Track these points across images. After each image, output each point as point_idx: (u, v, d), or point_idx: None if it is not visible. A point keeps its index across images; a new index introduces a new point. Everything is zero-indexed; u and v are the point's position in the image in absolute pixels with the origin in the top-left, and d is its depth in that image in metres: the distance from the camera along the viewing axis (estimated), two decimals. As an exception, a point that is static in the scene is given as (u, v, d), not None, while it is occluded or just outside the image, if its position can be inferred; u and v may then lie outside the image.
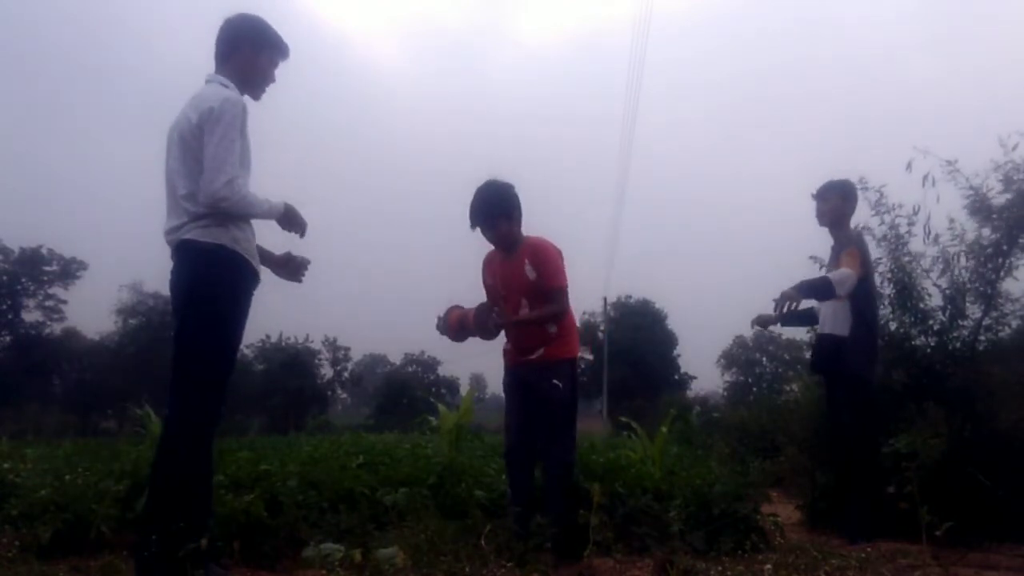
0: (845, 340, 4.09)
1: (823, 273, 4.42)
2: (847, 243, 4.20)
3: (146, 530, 2.55)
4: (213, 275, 2.71)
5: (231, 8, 2.94)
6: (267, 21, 2.94)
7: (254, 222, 2.90)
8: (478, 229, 3.57)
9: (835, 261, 4.25)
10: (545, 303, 3.49)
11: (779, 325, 4.60)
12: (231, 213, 2.70)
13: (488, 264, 3.72)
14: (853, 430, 4.06)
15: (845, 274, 3.99)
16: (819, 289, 4.05)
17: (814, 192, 4.39)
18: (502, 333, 3.60)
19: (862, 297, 4.10)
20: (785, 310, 3.99)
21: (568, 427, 3.50)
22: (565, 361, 3.52)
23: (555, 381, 3.44)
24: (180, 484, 2.60)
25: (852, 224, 4.39)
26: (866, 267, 4.14)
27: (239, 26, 2.91)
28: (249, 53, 2.89)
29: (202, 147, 2.67)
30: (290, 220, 2.91)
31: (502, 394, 3.84)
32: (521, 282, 3.50)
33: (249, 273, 2.81)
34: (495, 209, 3.49)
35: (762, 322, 4.54)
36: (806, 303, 4.19)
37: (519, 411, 3.57)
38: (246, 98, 2.89)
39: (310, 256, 3.10)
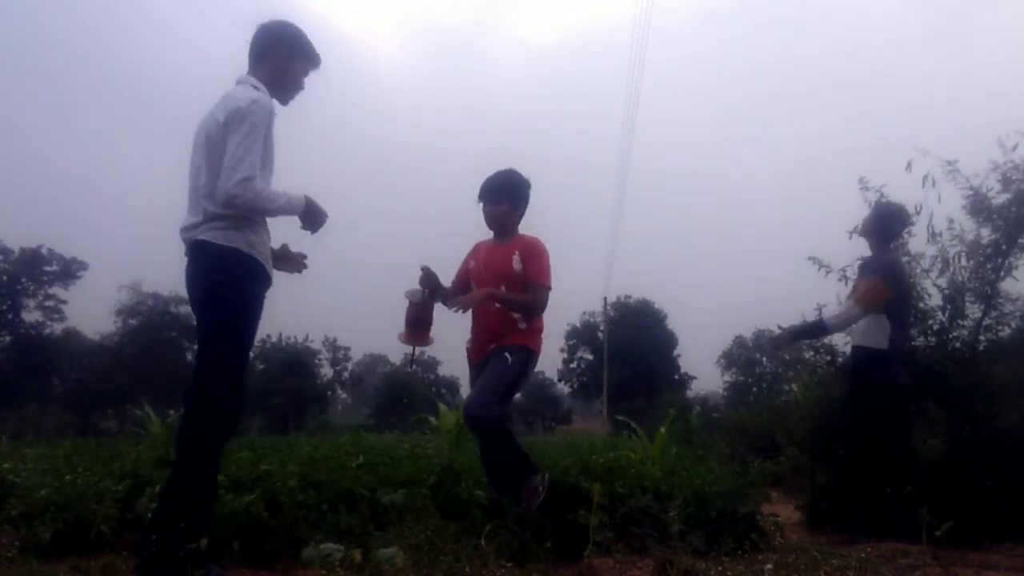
0: (884, 352, 4.16)
1: (856, 281, 4.59)
2: (876, 268, 4.29)
3: (152, 529, 2.56)
4: (225, 278, 2.73)
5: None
6: (302, 29, 2.98)
7: (271, 223, 2.90)
8: (481, 205, 3.63)
9: (867, 277, 4.33)
10: (522, 291, 3.47)
11: (792, 342, 4.78)
12: (246, 212, 2.69)
13: (476, 249, 3.72)
14: (889, 435, 4.10)
15: (844, 314, 4.26)
16: (810, 332, 4.61)
17: (872, 208, 4.53)
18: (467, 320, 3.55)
19: (898, 312, 4.20)
20: (781, 353, 4.43)
21: (499, 389, 3.36)
22: (522, 347, 3.46)
23: (505, 353, 3.40)
24: (193, 484, 2.63)
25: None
26: (900, 285, 4.25)
27: (277, 31, 2.94)
28: (284, 58, 2.93)
29: (226, 145, 2.67)
30: (311, 215, 2.88)
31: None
32: (505, 269, 3.50)
33: (262, 276, 2.83)
34: (505, 189, 3.58)
35: (775, 344, 4.86)
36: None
37: None
38: (274, 102, 2.90)
39: (310, 253, 3.11)
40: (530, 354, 3.48)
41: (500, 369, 3.38)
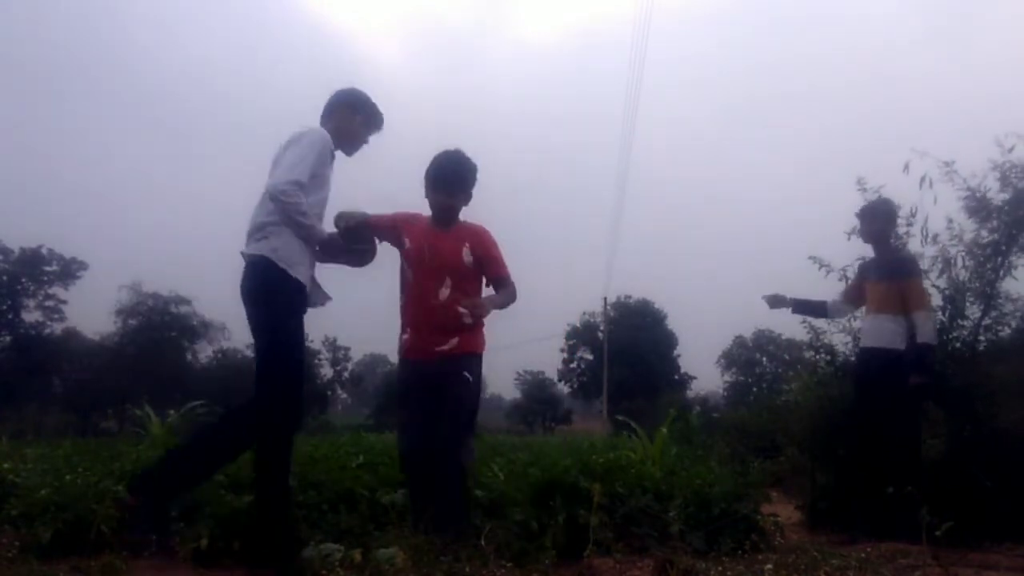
0: (903, 354, 4.17)
1: (853, 279, 4.69)
2: (904, 267, 4.30)
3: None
4: (250, 287, 3.02)
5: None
6: (370, 96, 3.42)
7: None
8: (428, 188, 3.40)
9: (883, 279, 4.33)
10: (499, 289, 3.41)
11: (790, 311, 4.82)
12: (284, 212, 2.96)
13: (415, 229, 3.43)
14: (901, 436, 4.12)
15: (927, 325, 4.15)
16: (812, 311, 4.81)
17: (858, 212, 4.52)
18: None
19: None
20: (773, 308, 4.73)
21: (471, 429, 3.35)
22: (475, 356, 3.35)
23: (466, 374, 3.25)
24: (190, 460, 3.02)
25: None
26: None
27: (346, 93, 3.38)
28: (347, 113, 3.34)
29: (284, 157, 3.05)
30: (332, 246, 3.19)
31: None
32: (455, 262, 3.32)
33: (286, 283, 3.00)
34: (462, 182, 3.40)
35: (774, 301, 4.76)
36: (816, 298, 4.82)
37: (420, 413, 3.32)
38: (339, 154, 3.31)
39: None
40: (481, 360, 3.39)
41: (465, 397, 3.26)
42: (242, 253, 3.08)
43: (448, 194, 3.37)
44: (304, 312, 3.15)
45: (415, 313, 3.37)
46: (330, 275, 3.39)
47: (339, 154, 3.36)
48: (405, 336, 3.41)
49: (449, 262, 3.33)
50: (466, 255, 3.34)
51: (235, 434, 3.07)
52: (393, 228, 3.46)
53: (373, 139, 3.47)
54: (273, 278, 2.98)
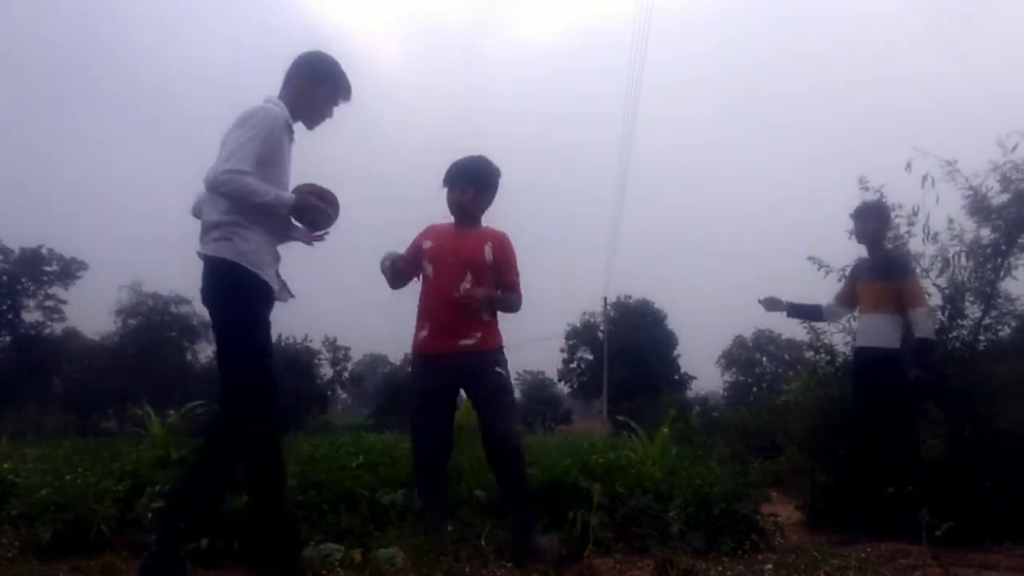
0: (899, 352, 4.16)
1: (845, 282, 4.67)
2: (899, 266, 4.29)
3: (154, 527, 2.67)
4: (218, 289, 2.83)
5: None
6: (339, 63, 3.10)
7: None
8: (445, 190, 3.48)
9: (878, 278, 4.33)
10: (506, 292, 3.43)
11: (785, 314, 4.83)
12: (231, 198, 2.77)
13: (432, 229, 3.53)
14: (900, 436, 4.11)
15: (927, 320, 4.15)
16: (807, 314, 4.85)
17: (852, 213, 4.52)
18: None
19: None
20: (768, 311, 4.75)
21: (513, 409, 3.39)
22: (501, 351, 3.42)
23: (498, 369, 3.32)
24: (198, 488, 2.76)
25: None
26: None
27: (307, 58, 3.08)
28: (311, 83, 3.04)
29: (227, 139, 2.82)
30: (303, 211, 2.93)
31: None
32: (476, 258, 3.37)
33: (257, 285, 2.85)
34: (469, 176, 3.44)
35: (770, 304, 4.77)
36: (811, 302, 4.83)
37: (435, 413, 3.38)
38: (300, 126, 3.05)
39: (312, 250, 3.14)
40: (504, 353, 3.44)
41: (505, 389, 3.35)
42: (200, 254, 2.86)
43: (460, 189, 3.43)
44: (270, 312, 3.00)
45: (436, 308, 3.36)
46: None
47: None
48: (423, 333, 3.40)
49: (471, 257, 3.37)
50: (487, 253, 3.39)
51: (220, 457, 2.84)
52: (413, 248, 3.50)
53: (339, 111, 3.17)
54: (241, 282, 2.81)
